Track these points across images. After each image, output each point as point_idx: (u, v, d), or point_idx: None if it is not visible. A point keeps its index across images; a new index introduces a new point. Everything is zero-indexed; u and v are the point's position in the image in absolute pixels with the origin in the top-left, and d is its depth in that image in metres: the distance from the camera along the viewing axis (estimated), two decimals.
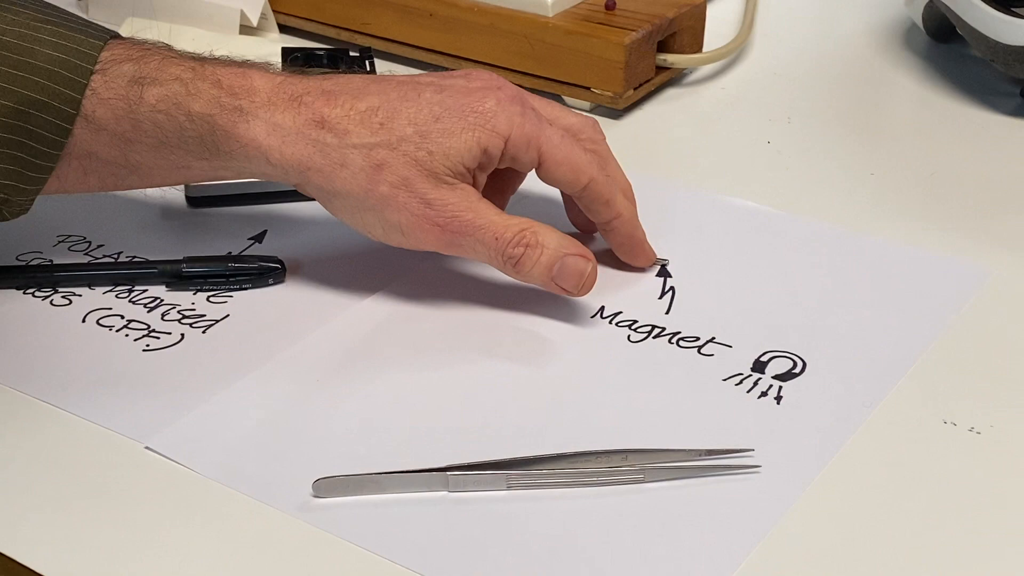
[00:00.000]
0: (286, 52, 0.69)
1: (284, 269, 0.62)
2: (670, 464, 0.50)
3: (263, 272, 0.62)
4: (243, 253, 0.64)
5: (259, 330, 0.59)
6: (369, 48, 0.70)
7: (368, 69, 0.69)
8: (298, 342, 0.58)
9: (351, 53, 0.70)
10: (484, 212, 0.59)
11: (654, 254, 0.63)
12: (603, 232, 0.63)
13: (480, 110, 0.58)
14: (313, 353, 0.58)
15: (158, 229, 0.67)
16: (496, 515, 0.49)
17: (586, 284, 0.59)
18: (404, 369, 0.57)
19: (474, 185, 0.60)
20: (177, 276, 0.61)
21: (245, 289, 0.62)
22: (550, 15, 0.77)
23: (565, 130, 0.61)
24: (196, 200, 0.68)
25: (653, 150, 0.75)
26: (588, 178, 0.61)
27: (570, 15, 0.78)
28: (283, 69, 0.68)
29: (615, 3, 0.77)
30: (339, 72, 0.68)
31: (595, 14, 0.78)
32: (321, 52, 0.70)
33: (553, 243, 0.59)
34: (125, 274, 0.62)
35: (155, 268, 0.62)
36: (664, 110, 0.78)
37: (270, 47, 0.83)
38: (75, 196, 0.66)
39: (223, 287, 0.62)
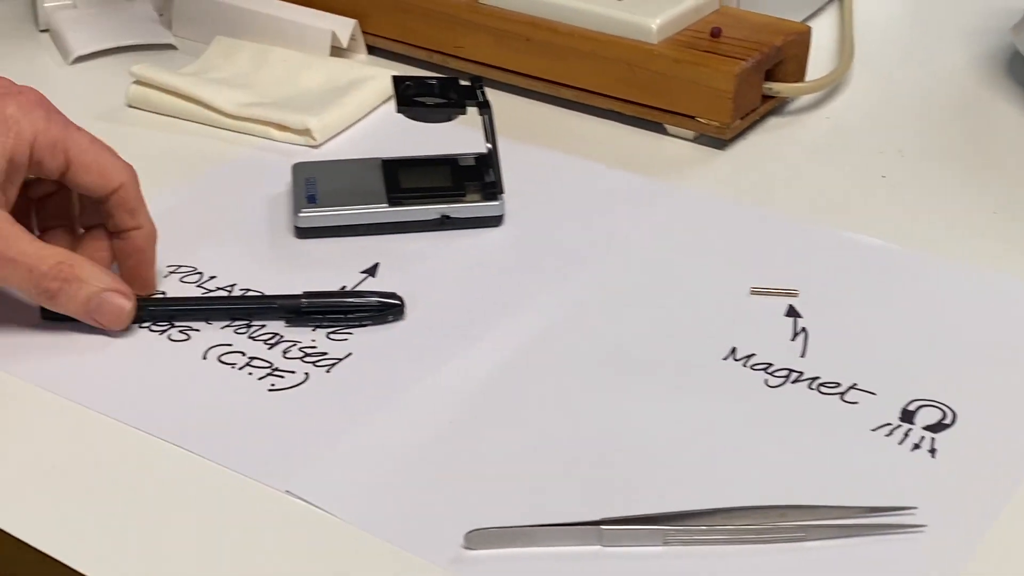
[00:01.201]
0: (397, 80, 0.68)
1: (403, 306, 0.61)
2: (832, 522, 0.49)
3: (383, 309, 0.61)
4: (358, 288, 0.63)
5: (383, 368, 0.58)
6: (480, 77, 0.69)
7: (480, 98, 0.68)
8: (425, 380, 0.57)
9: (462, 82, 0.69)
10: (15, 241, 0.56)
11: (155, 285, 0.62)
12: (116, 244, 0.61)
13: (0, 117, 0.56)
14: (442, 392, 0.56)
15: (268, 260, 0.66)
16: (652, 573, 0.48)
17: (125, 320, 0.58)
18: (538, 409, 0.55)
19: (5, 204, 0.57)
20: (296, 312, 0.60)
21: (365, 326, 0.60)
22: (655, 42, 0.76)
23: None
24: (305, 231, 0.67)
25: (762, 181, 0.73)
26: (118, 183, 0.59)
27: (674, 42, 0.77)
28: (396, 97, 0.67)
29: (721, 30, 0.76)
30: (447, 102, 0.67)
31: (700, 41, 0.76)
32: (432, 81, 0.68)
33: (92, 278, 0.57)
34: (243, 309, 0.61)
35: (274, 304, 0.61)
36: (770, 140, 0.77)
37: (363, 70, 0.82)
38: (185, 225, 0.66)
39: (342, 323, 0.61)
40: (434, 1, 0.82)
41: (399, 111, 0.66)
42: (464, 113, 0.67)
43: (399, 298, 0.61)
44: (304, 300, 0.60)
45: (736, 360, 0.58)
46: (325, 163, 0.71)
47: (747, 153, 0.76)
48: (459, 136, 0.70)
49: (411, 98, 0.67)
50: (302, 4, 0.86)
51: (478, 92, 0.67)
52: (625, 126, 0.78)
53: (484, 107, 0.66)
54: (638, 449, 0.53)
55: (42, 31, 0.89)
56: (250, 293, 0.63)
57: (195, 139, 0.77)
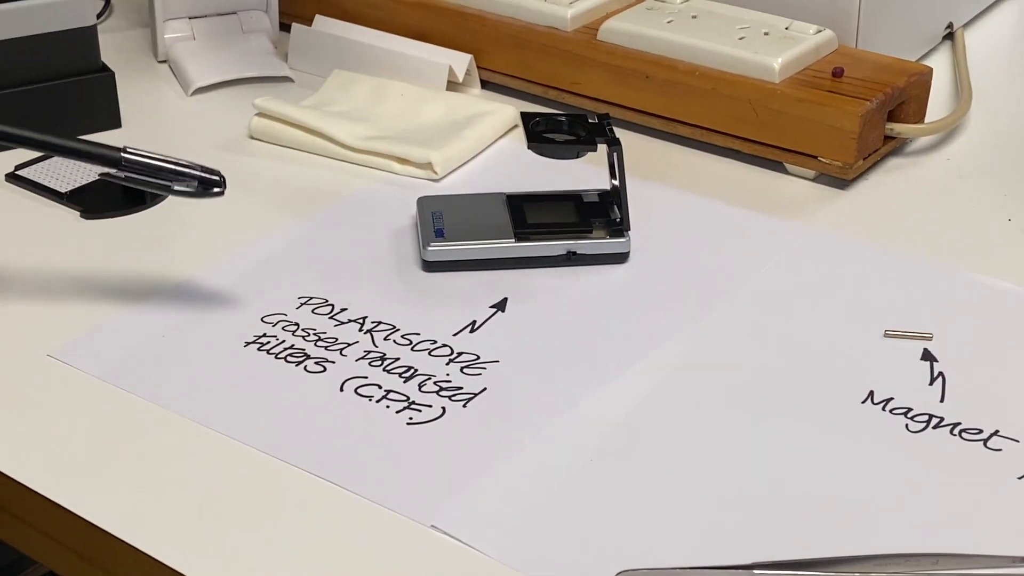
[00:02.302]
0: (526, 117, 0.68)
1: (223, 182, 0.61)
2: (985, 571, 0.48)
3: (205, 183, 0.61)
4: (484, 322, 0.63)
5: (520, 404, 0.58)
6: (607, 114, 0.69)
7: (608, 135, 0.68)
8: (562, 417, 0.57)
9: (589, 119, 0.69)
10: None
11: None
12: None
13: None
14: (580, 431, 0.56)
15: (397, 293, 0.66)
16: None
17: None
18: (678, 448, 0.55)
19: None
20: (115, 164, 0.60)
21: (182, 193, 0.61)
22: (777, 81, 0.76)
23: None
24: (432, 265, 0.67)
25: (886, 222, 0.73)
26: None
27: (796, 81, 0.76)
28: (526, 133, 0.68)
29: (843, 70, 0.76)
30: (576, 138, 0.68)
31: (821, 80, 0.76)
32: (561, 117, 0.69)
33: None
34: (63, 147, 0.61)
35: (95, 150, 0.60)
36: (891, 180, 0.77)
37: (481, 104, 0.82)
38: (313, 256, 0.67)
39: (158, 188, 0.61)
40: (552, 37, 0.83)
41: (529, 147, 0.66)
42: (594, 150, 0.67)
43: (219, 175, 0.61)
44: (126, 154, 0.61)
45: (874, 404, 0.58)
46: (450, 197, 0.72)
47: (868, 193, 0.76)
48: (575, 170, 0.70)
49: (540, 134, 0.68)
50: (417, 38, 0.88)
51: (607, 129, 0.68)
52: (744, 164, 0.78)
53: (614, 144, 0.67)
54: (785, 492, 0.53)
55: (161, 62, 0.91)
56: (381, 326, 0.63)
57: (316, 171, 0.78)
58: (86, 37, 0.78)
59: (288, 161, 0.79)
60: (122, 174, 0.61)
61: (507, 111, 0.82)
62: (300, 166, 0.79)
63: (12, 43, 0.76)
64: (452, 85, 0.86)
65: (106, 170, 0.61)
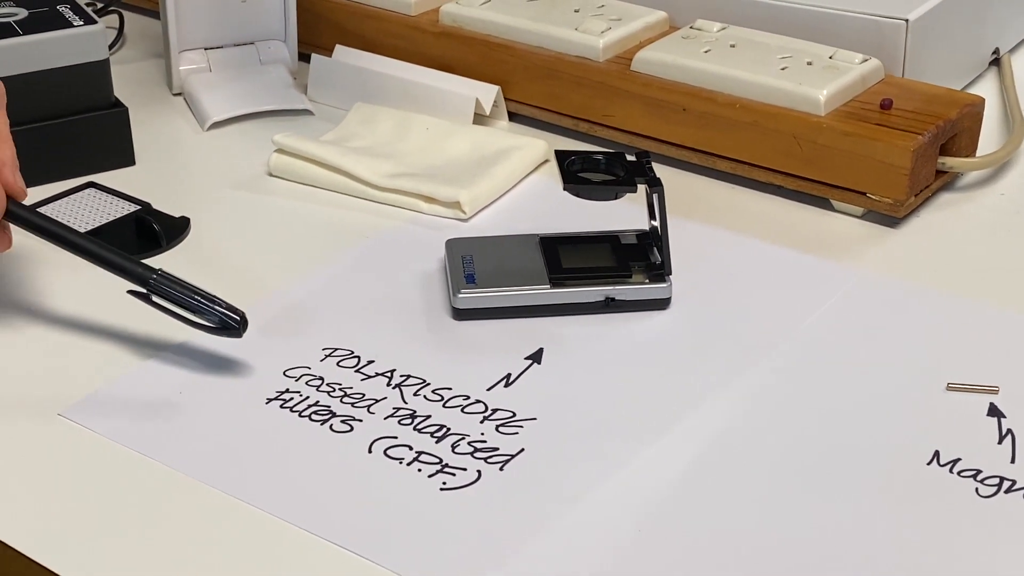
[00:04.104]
0: (560, 156, 0.65)
1: (241, 325, 0.59)
2: None
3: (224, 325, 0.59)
4: (519, 375, 0.59)
5: (559, 467, 0.54)
6: (647, 152, 0.66)
7: (648, 175, 0.65)
8: (605, 482, 0.53)
9: (628, 157, 0.65)
10: None
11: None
12: None
13: None
14: (625, 497, 0.53)
15: (427, 343, 0.62)
16: None
17: None
18: (730, 516, 0.51)
19: None
20: (143, 282, 0.59)
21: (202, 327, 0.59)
22: (822, 113, 0.72)
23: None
24: (463, 312, 0.64)
25: (941, 263, 0.69)
26: None
27: (842, 114, 0.73)
28: (561, 174, 0.64)
29: (892, 102, 0.72)
30: (615, 179, 0.64)
31: (869, 113, 0.72)
32: (598, 156, 0.65)
33: None
34: (96, 255, 0.60)
35: (127, 265, 0.60)
36: (943, 218, 0.73)
37: (510, 139, 0.78)
38: (337, 304, 0.64)
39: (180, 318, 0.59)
40: (583, 67, 0.79)
41: (565, 189, 0.63)
42: (634, 191, 0.64)
43: (241, 317, 0.59)
44: (155, 276, 0.59)
45: (941, 466, 0.54)
46: (480, 240, 0.68)
47: (920, 231, 0.72)
48: (609, 209, 0.66)
49: (576, 174, 0.64)
50: (441, 69, 0.85)
51: (647, 167, 0.64)
52: (787, 201, 0.75)
53: (655, 184, 0.63)
54: (846, 564, 0.49)
55: (175, 94, 0.88)
56: (410, 380, 0.60)
57: (338, 210, 0.75)
58: (99, 72, 0.75)
59: (308, 200, 0.76)
60: (149, 293, 0.59)
61: (537, 146, 0.78)
62: (321, 205, 0.75)
63: (21, 78, 0.72)
64: (478, 118, 0.82)
65: (134, 288, 0.60)
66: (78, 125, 0.75)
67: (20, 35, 0.73)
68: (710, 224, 0.72)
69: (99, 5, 0.97)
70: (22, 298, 0.66)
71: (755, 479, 0.54)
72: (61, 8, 0.76)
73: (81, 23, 0.74)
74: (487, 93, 0.82)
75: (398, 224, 0.73)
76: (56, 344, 0.63)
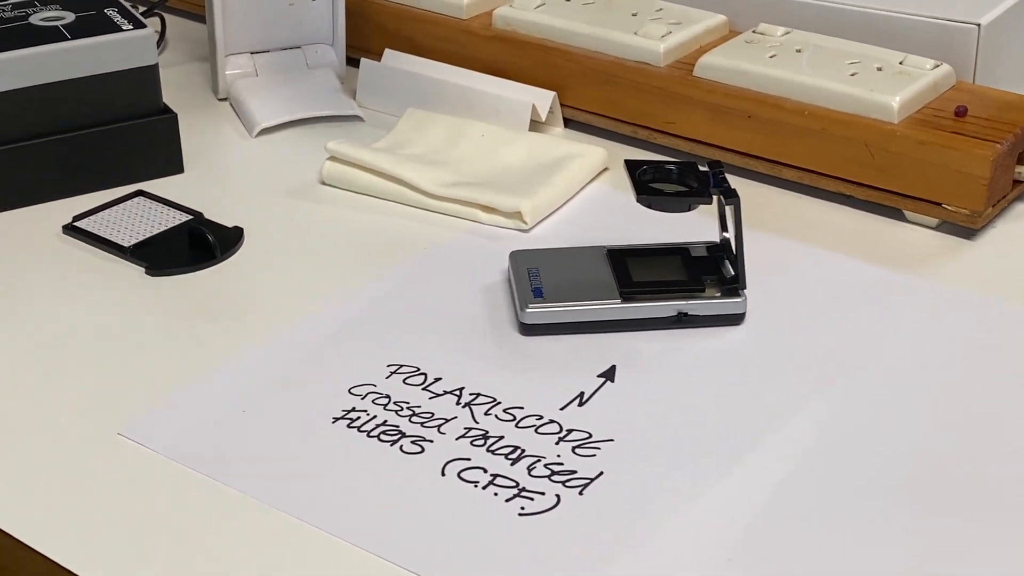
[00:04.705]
0: (631, 165, 0.63)
1: None
2: None
3: None
4: (593, 394, 0.57)
5: (640, 491, 0.52)
6: (719, 162, 0.63)
7: (723, 186, 0.62)
8: (692, 506, 0.51)
9: (700, 167, 0.63)
10: None
11: None
12: None
13: None
14: (713, 521, 0.50)
15: (494, 360, 0.60)
16: None
17: None
18: (825, 545, 0.49)
19: None
20: None
21: None
22: (896, 121, 0.70)
23: None
24: (531, 328, 0.62)
25: (1017, 275, 0.66)
26: None
27: (915, 121, 0.70)
28: (633, 184, 0.62)
29: (966, 109, 0.70)
30: (688, 190, 0.62)
31: (943, 120, 0.70)
32: (671, 167, 0.63)
33: None
34: None
35: None
36: (1020, 229, 0.70)
37: (568, 146, 0.76)
38: (399, 318, 0.62)
39: None
40: (643, 73, 0.77)
41: (639, 200, 0.61)
42: (709, 202, 0.61)
43: None
44: None
45: None
46: (545, 252, 0.66)
47: (997, 243, 0.69)
48: (671, 218, 0.63)
49: (647, 184, 0.62)
50: (494, 74, 0.82)
51: (720, 178, 0.62)
52: (856, 211, 0.72)
53: (730, 196, 0.61)
54: None
55: (221, 99, 0.86)
56: (480, 399, 0.57)
57: (394, 219, 0.72)
58: (148, 77, 0.73)
59: (363, 209, 0.73)
60: None
61: (597, 153, 0.76)
62: (376, 214, 0.73)
63: (70, 84, 0.71)
64: (533, 124, 0.80)
65: None
66: (127, 132, 0.73)
67: (69, 39, 0.71)
68: (778, 235, 0.70)
69: (141, 9, 0.95)
70: (75, 314, 0.64)
71: (844, 501, 0.51)
72: (108, 11, 0.74)
73: (130, 27, 0.72)
74: (543, 99, 0.80)
75: (456, 235, 0.71)
76: (113, 361, 0.61)
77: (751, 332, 0.62)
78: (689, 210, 0.62)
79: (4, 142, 0.70)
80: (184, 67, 0.91)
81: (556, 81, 0.81)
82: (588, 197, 0.75)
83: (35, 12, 0.73)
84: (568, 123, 0.82)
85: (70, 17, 0.73)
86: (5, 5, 0.75)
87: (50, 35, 0.71)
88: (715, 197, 0.62)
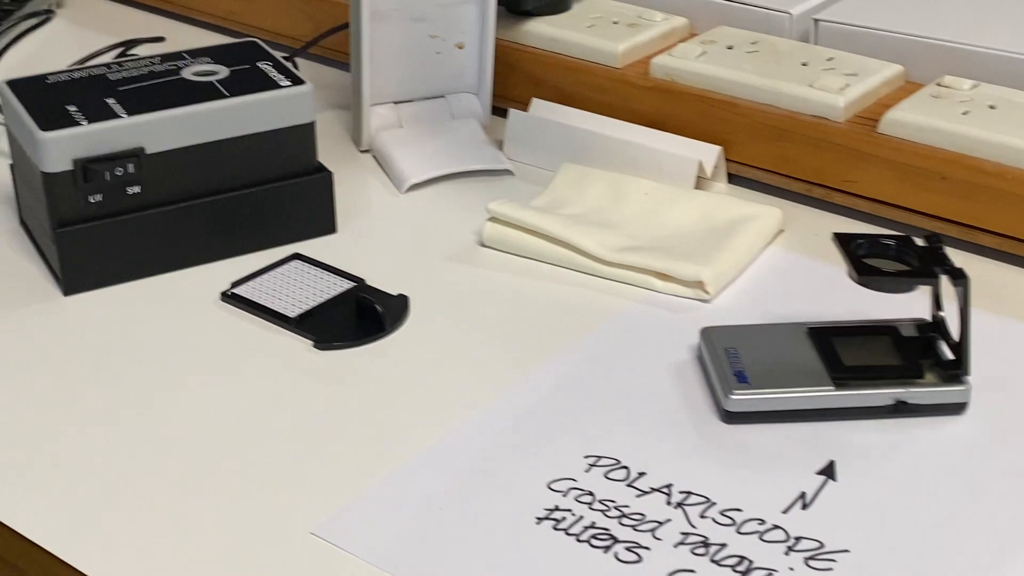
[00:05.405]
0: (842, 239, 0.58)
1: None
2: None
3: None
4: (816, 494, 0.52)
5: None
6: (938, 235, 0.59)
7: (946, 264, 0.58)
8: None
9: (917, 241, 0.59)
10: None
11: None
12: None
13: None
14: None
15: (698, 452, 0.56)
16: None
17: None
18: None
19: None
20: None
21: None
22: None
23: None
24: (735, 416, 0.58)
25: None
26: None
27: None
28: (844, 257, 0.57)
29: None
30: (911, 269, 0.57)
31: None
32: (888, 241, 0.59)
33: None
34: None
35: None
36: None
37: (742, 207, 0.71)
38: (584, 401, 0.57)
39: None
40: (821, 128, 0.72)
41: (859, 282, 0.56)
42: (933, 284, 0.57)
43: None
44: None
45: None
46: (741, 329, 0.61)
47: None
48: (861, 292, 0.58)
49: (862, 260, 0.58)
50: (651, 126, 0.77)
51: (941, 255, 0.57)
52: None
53: (959, 277, 0.56)
54: None
55: (363, 151, 0.83)
56: (692, 498, 0.53)
57: (562, 287, 0.68)
58: (305, 135, 0.69)
59: (527, 274, 0.69)
60: None
61: (773, 214, 0.71)
62: (541, 279, 0.69)
63: (228, 143, 0.67)
64: (702, 181, 0.76)
65: None
66: (282, 192, 0.69)
67: (227, 96, 0.67)
68: (983, 309, 0.64)
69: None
70: (243, 392, 0.60)
71: None
72: (262, 65, 0.71)
73: (288, 83, 0.68)
74: (709, 154, 0.75)
75: (630, 304, 0.66)
76: (299, 454, 0.56)
77: (975, 422, 0.57)
78: (909, 291, 0.57)
79: (158, 204, 0.67)
80: (321, 114, 0.86)
81: (720, 135, 0.76)
82: (765, 262, 0.70)
83: (186, 66, 0.70)
84: (732, 178, 0.78)
85: (224, 72, 0.69)
86: (155, 57, 0.71)
87: (207, 91, 0.67)
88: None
